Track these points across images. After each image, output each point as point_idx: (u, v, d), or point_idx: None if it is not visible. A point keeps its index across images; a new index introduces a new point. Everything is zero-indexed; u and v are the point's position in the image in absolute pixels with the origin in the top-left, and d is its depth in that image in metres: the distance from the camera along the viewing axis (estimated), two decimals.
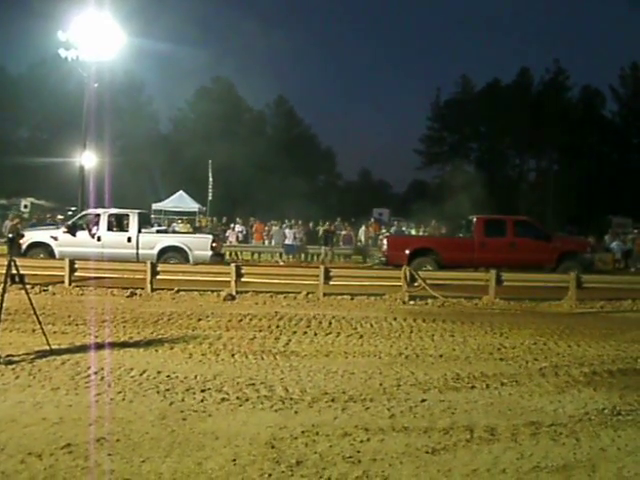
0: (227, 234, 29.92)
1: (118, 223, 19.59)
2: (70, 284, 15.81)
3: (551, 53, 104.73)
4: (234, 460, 5.04)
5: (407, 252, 18.42)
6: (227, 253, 26.84)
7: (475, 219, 19.41)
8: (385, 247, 19.52)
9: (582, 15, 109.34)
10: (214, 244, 18.96)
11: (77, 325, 10.95)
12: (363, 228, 32.26)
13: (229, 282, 15.43)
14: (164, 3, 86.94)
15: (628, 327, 12.26)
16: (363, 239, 31.15)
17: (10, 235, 9.81)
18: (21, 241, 17.15)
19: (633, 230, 36.63)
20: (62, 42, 26.92)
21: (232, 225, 30.97)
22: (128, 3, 34.76)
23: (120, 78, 47.02)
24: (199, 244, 18.92)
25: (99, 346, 9.19)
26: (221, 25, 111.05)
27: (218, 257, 19.48)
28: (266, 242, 30.66)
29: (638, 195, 52.24)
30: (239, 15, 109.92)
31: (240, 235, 30.23)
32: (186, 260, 18.38)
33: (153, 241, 18.93)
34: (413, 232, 32.37)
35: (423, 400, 6.84)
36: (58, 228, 19.99)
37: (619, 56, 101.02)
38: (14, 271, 8.73)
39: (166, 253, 18.64)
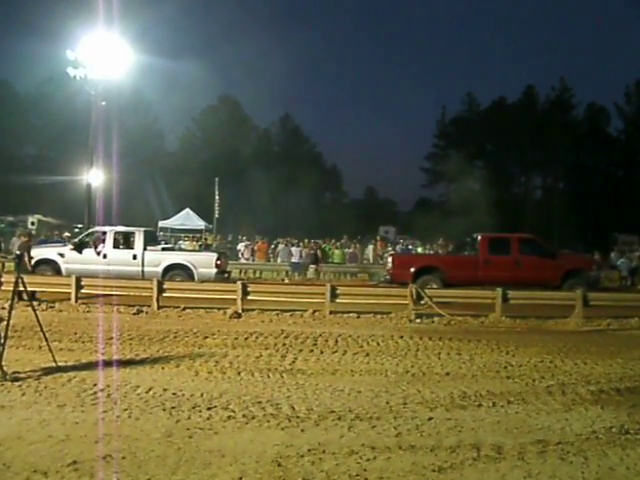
0: (239, 248, 29.96)
1: (124, 241, 19.64)
2: (77, 301, 15.84)
3: (556, 71, 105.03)
4: (240, 478, 5.04)
5: (412, 270, 18.41)
6: (239, 271, 26.93)
7: (480, 237, 19.36)
8: (390, 265, 19.52)
9: (587, 33, 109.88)
10: (219, 262, 18.97)
11: (83, 342, 10.97)
12: (371, 247, 32.20)
13: (235, 300, 15.44)
14: (171, 22, 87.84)
15: (635, 345, 12.20)
16: (371, 258, 31.06)
17: (18, 252, 9.85)
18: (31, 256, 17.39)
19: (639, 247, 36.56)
20: (71, 61, 27.23)
21: (245, 243, 30.98)
22: (136, 22, 35.22)
23: (127, 96, 47.32)
24: (204, 262, 18.94)
25: (105, 363, 9.20)
26: (228, 44, 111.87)
27: (223, 275, 19.49)
28: (271, 260, 30.66)
29: None
30: (246, 34, 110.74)
31: (248, 253, 30.24)
32: (191, 278, 18.39)
33: (158, 259, 18.97)
34: (419, 250, 32.35)
35: (430, 418, 6.82)
36: (65, 245, 20.10)
37: (624, 73, 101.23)
38: (21, 288, 8.78)
39: (171, 270, 18.68)
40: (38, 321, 8.93)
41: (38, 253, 18.63)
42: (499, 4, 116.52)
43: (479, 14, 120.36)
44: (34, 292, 15.32)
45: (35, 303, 10.66)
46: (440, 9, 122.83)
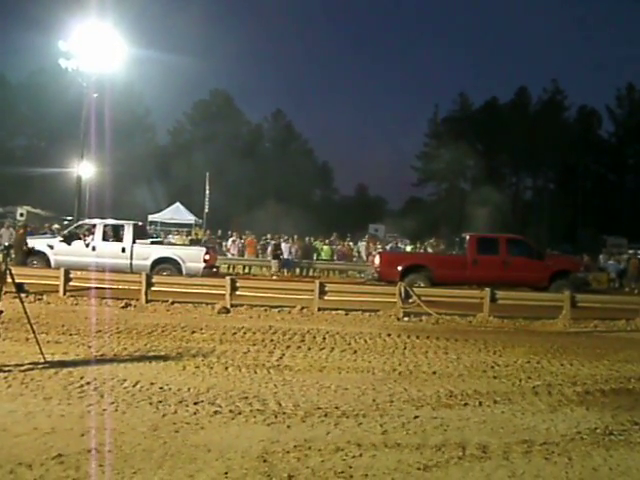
0: (228, 245, 29.91)
1: (113, 234, 19.62)
2: (65, 294, 15.78)
3: (549, 73, 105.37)
4: (226, 473, 5.03)
5: (399, 268, 18.36)
6: (227, 267, 26.80)
7: (468, 237, 19.38)
8: (378, 263, 19.50)
9: (581, 36, 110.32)
10: (207, 256, 18.95)
11: (71, 335, 10.92)
12: (365, 243, 32.10)
13: (224, 295, 15.42)
14: (165, 15, 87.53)
15: (621, 347, 12.27)
16: (365, 255, 30.93)
17: (6, 244, 9.78)
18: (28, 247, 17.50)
19: (628, 250, 36.82)
20: (63, 52, 27.09)
21: (233, 238, 30.89)
22: (129, 14, 35.09)
23: (119, 88, 47.07)
24: (192, 256, 18.92)
25: (93, 356, 9.18)
26: (221, 38, 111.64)
27: (211, 269, 19.45)
28: (260, 256, 30.55)
29: (633, 215, 52.45)
30: (239, 28, 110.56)
31: (234, 249, 30.18)
32: (179, 272, 18.38)
33: (147, 252, 18.95)
34: (408, 249, 32.31)
35: (416, 417, 6.83)
36: (55, 237, 20.08)
37: (616, 77, 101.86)
38: (9, 280, 8.74)
39: (159, 264, 18.66)
40: (26, 313, 8.90)
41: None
42: (492, 5, 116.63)
43: (473, 14, 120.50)
44: (21, 284, 15.26)
45: (23, 295, 10.61)
46: (434, 9, 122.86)
